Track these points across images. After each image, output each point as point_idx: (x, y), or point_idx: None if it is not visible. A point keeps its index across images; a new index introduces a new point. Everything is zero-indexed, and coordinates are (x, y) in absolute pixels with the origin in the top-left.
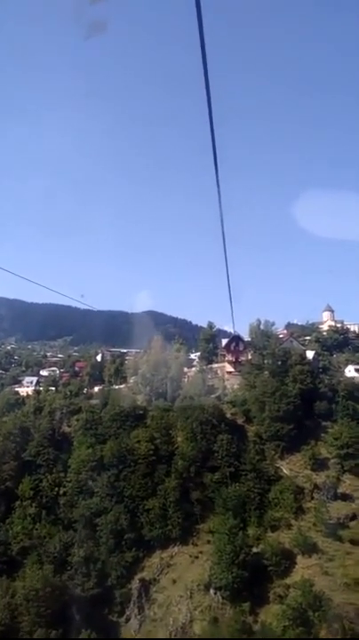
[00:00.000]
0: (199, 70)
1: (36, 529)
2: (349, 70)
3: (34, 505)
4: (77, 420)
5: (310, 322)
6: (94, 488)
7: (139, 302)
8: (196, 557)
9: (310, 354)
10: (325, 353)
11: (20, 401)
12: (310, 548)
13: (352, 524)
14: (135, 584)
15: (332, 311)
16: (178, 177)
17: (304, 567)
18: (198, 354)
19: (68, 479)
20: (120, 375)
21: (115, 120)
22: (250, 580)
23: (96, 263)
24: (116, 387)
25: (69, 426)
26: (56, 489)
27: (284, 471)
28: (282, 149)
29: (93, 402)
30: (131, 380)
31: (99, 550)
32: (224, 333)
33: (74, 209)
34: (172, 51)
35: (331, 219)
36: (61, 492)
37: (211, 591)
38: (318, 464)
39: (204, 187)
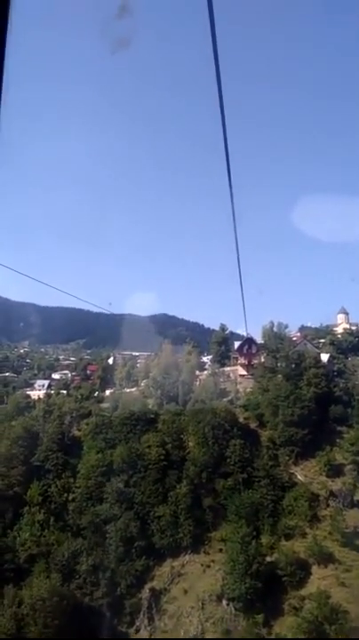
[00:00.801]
0: (210, 76)
1: (44, 536)
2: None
3: (42, 511)
4: (87, 424)
5: (324, 324)
6: (104, 494)
7: (150, 305)
8: (208, 566)
9: (325, 357)
10: (340, 356)
11: (32, 404)
12: (326, 558)
13: None
14: (145, 594)
15: (347, 313)
16: (190, 181)
17: (320, 578)
18: (210, 357)
19: (77, 485)
20: (131, 378)
21: (128, 124)
22: (263, 590)
23: (108, 267)
24: (127, 390)
25: (79, 430)
26: (65, 495)
27: (299, 477)
28: (292, 154)
29: (104, 405)
30: (143, 384)
31: (109, 558)
32: (237, 336)
33: (88, 215)
34: (181, 55)
35: (347, 221)
36: (70, 497)
37: (224, 602)
38: (334, 470)
39: (217, 190)
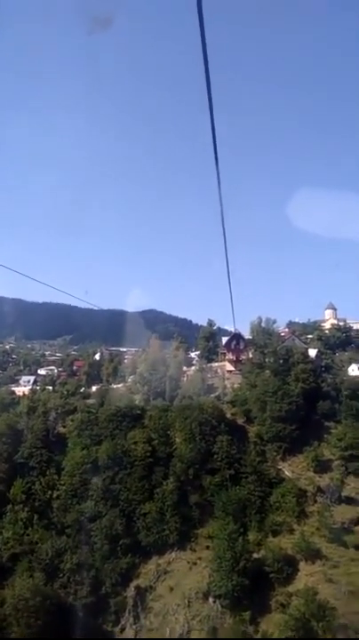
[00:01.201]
0: (200, 71)
1: (28, 534)
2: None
3: (26, 509)
4: (72, 421)
5: (312, 320)
6: (89, 491)
7: (139, 301)
8: (195, 564)
9: (312, 352)
10: (328, 351)
11: (16, 401)
12: (313, 554)
13: (357, 528)
14: (130, 592)
15: (335, 309)
16: (178, 177)
17: (307, 574)
18: (198, 353)
19: (62, 482)
20: (118, 374)
21: (117, 120)
22: (250, 587)
23: (96, 262)
24: (114, 386)
25: (64, 426)
26: (49, 492)
27: (286, 473)
28: (280, 149)
29: (90, 401)
30: (130, 380)
31: (94, 557)
32: (225, 332)
33: (75, 209)
34: (173, 51)
35: (333, 217)
36: (54, 495)
37: (210, 599)
38: (321, 466)
39: (205, 186)
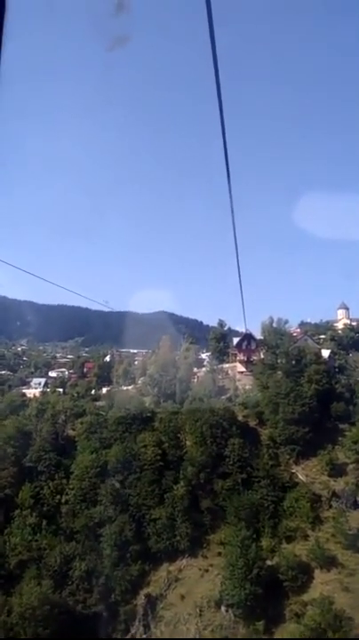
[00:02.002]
0: (210, 75)
1: (36, 540)
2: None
3: (34, 514)
4: (82, 424)
5: (324, 320)
6: (98, 496)
7: (150, 303)
8: (206, 571)
9: (326, 353)
10: (341, 352)
11: (27, 403)
12: (329, 562)
13: None
14: (141, 600)
15: (347, 309)
16: (190, 178)
17: (322, 582)
18: (209, 354)
19: (71, 486)
20: (128, 376)
21: (127, 124)
22: (264, 596)
23: (108, 264)
24: (124, 388)
25: (74, 429)
26: (58, 497)
27: (300, 477)
28: (292, 151)
29: (99, 404)
30: (140, 381)
31: (103, 563)
32: (235, 333)
33: (86, 212)
34: (180, 53)
35: (346, 217)
36: (63, 500)
37: (223, 608)
38: (336, 470)
39: (217, 187)
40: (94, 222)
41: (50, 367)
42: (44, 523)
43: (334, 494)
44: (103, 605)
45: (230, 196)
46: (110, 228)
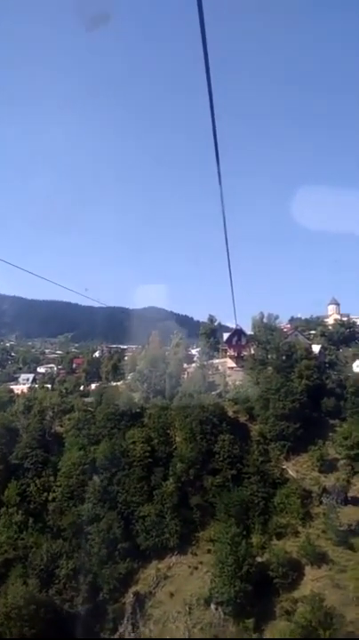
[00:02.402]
0: (201, 68)
1: (22, 538)
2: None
3: (20, 512)
4: (70, 420)
5: (315, 316)
6: (86, 493)
7: (140, 298)
8: (196, 568)
9: (316, 348)
10: (332, 347)
11: (14, 399)
12: (319, 558)
13: None
14: (129, 598)
15: (338, 304)
16: (181, 173)
17: (313, 579)
18: (199, 349)
19: (58, 483)
20: (118, 372)
21: (117, 116)
22: (254, 593)
23: (97, 259)
24: (114, 383)
25: (61, 426)
26: (44, 494)
27: (290, 473)
28: (281, 146)
29: (88, 400)
30: (129, 377)
31: (91, 561)
32: (226, 329)
33: (75, 205)
34: (173, 48)
35: (336, 212)
36: (50, 497)
37: (212, 606)
38: (326, 465)
39: (208, 182)
40: (83, 217)
41: (38, 363)
42: (31, 521)
43: (325, 490)
44: (91, 604)
45: (221, 193)
46: (100, 223)
